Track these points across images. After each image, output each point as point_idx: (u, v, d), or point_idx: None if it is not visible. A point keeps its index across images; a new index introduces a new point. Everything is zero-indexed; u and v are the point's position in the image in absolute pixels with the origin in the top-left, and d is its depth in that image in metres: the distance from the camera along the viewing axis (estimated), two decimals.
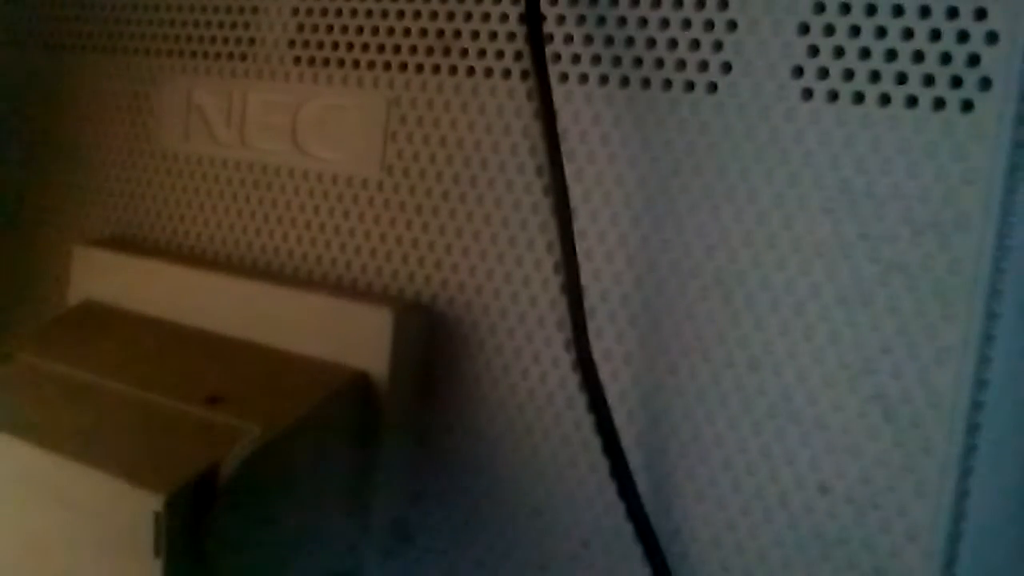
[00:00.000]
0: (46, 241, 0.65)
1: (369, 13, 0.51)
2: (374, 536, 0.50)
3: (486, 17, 0.48)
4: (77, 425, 0.49)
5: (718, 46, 0.43)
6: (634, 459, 0.44)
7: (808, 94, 0.41)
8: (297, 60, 0.54)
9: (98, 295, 0.59)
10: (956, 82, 0.38)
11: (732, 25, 0.42)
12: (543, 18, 0.46)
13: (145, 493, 0.43)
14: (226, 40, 0.57)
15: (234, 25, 0.56)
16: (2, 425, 0.49)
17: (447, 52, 0.49)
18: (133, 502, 0.43)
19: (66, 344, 0.56)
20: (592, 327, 0.45)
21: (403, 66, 0.51)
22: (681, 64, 0.43)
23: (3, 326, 0.66)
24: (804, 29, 0.41)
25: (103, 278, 0.59)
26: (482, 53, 0.48)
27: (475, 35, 0.48)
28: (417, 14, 0.50)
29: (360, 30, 0.52)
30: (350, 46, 0.52)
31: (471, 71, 0.49)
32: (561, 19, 0.46)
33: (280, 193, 0.55)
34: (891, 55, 0.39)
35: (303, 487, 0.47)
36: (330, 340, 0.50)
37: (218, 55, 0.57)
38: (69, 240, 0.62)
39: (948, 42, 0.38)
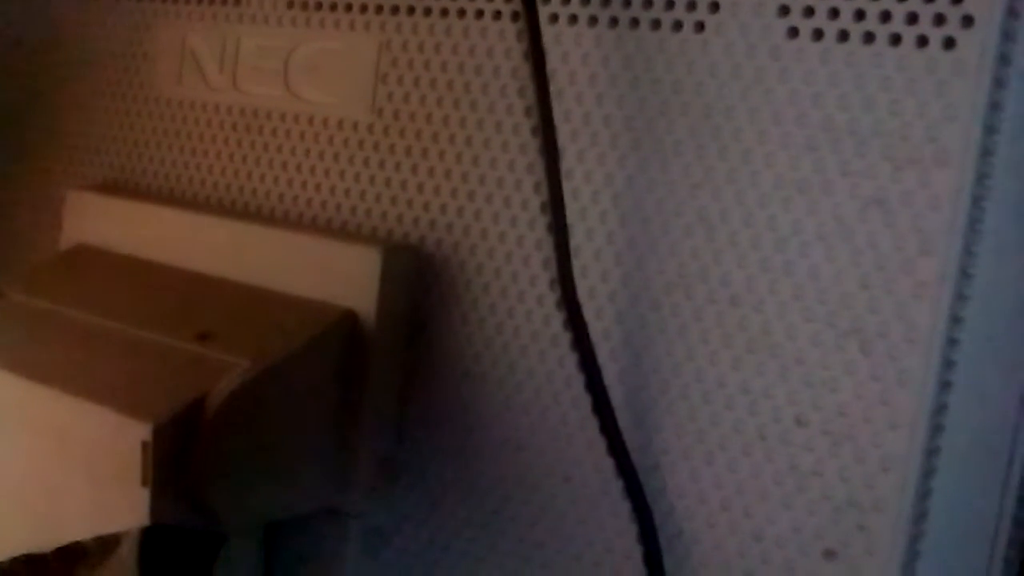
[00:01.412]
0: (38, 186, 0.65)
1: None
2: (360, 473, 0.50)
3: None
4: (67, 359, 0.50)
5: None
6: (616, 395, 0.45)
7: (794, 32, 0.41)
8: (290, 4, 0.55)
9: (90, 239, 0.60)
10: (939, 20, 0.38)
11: None
12: None
13: (133, 422, 0.44)
14: None
15: None
16: None
17: None
18: (121, 431, 0.44)
19: (57, 284, 0.57)
20: (577, 266, 0.45)
21: (394, 9, 0.51)
22: (670, 4, 0.44)
23: None
24: None
25: (95, 222, 0.59)
26: None
27: None
28: None
29: None
30: None
31: (462, 13, 0.49)
32: None
33: (272, 137, 0.55)
34: None
35: (290, 422, 0.48)
36: (319, 280, 0.50)
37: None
38: (61, 185, 0.63)
39: None
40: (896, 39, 0.39)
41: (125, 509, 0.44)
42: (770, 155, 0.42)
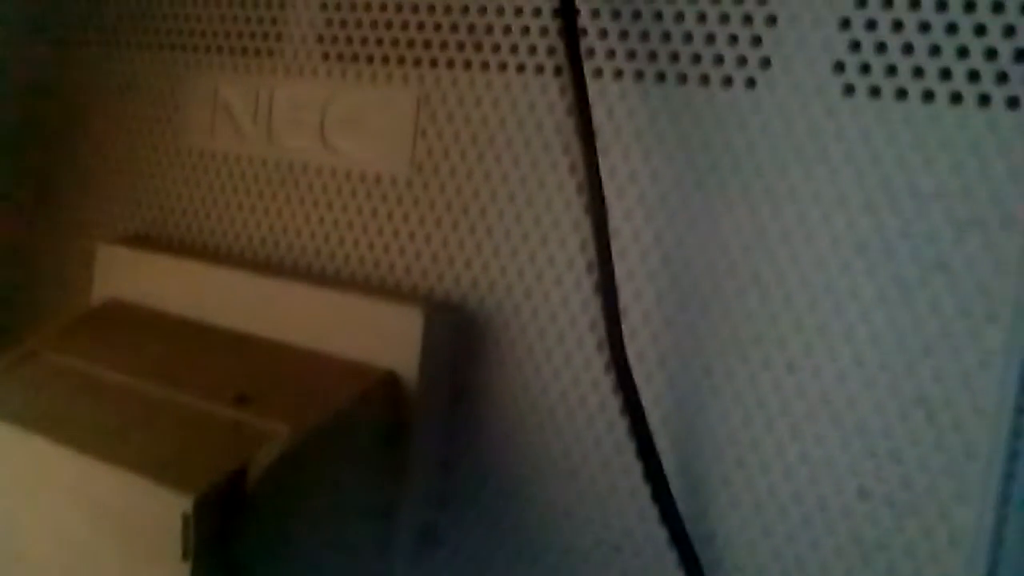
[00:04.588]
0: (69, 239, 0.64)
1: (399, 7, 0.51)
2: (402, 539, 0.49)
3: (518, 11, 0.47)
4: (103, 424, 0.49)
5: (757, 41, 0.42)
6: (668, 462, 0.43)
7: (849, 90, 0.40)
8: (325, 56, 0.54)
9: (122, 294, 0.59)
10: (1001, 78, 0.37)
11: (771, 20, 0.42)
12: (577, 12, 0.45)
13: (174, 494, 0.42)
14: (253, 35, 0.56)
15: (261, 20, 0.56)
16: (28, 424, 0.48)
17: (478, 47, 0.49)
18: (161, 503, 0.43)
19: (90, 342, 0.56)
20: (626, 328, 0.44)
21: (433, 62, 0.50)
22: (719, 59, 0.43)
23: (26, 324, 0.66)
24: (845, 24, 0.40)
25: (127, 277, 0.59)
26: (514, 48, 0.48)
27: (507, 30, 0.48)
28: (447, 8, 0.49)
29: (389, 25, 0.51)
30: (379, 41, 0.52)
31: (503, 67, 0.48)
32: (595, 13, 0.45)
33: (308, 191, 0.54)
34: (935, 50, 0.38)
35: (331, 488, 0.47)
36: (359, 340, 0.49)
37: (245, 50, 0.57)
38: (93, 238, 0.62)
39: (993, 37, 0.37)
40: (956, 97, 0.38)
41: None
42: (827, 216, 0.40)
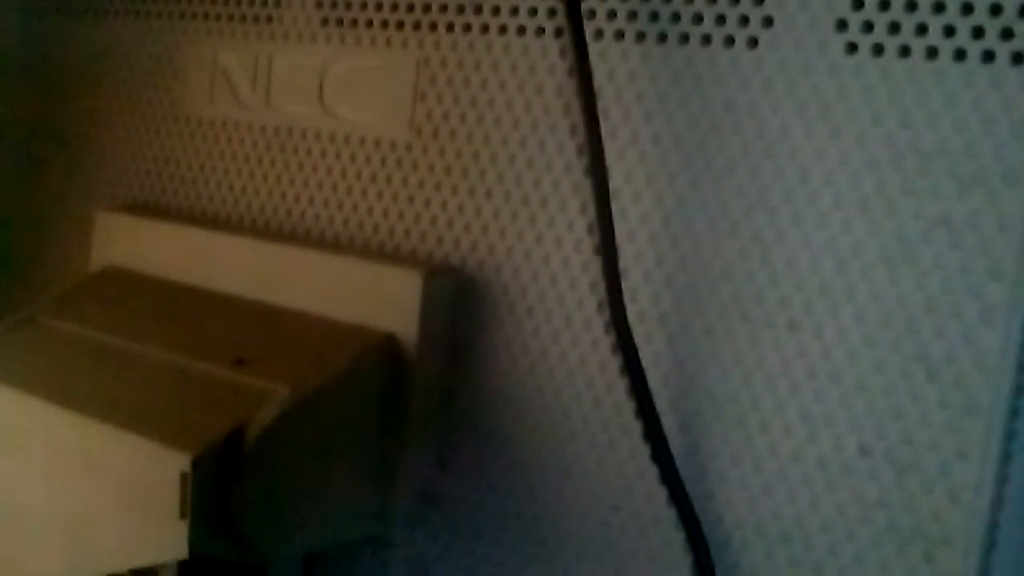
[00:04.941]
0: (68, 207, 0.64)
1: None
2: (401, 502, 0.49)
3: None
4: (102, 387, 0.49)
5: (759, 0, 0.42)
6: (668, 422, 0.43)
7: (852, 48, 0.40)
8: (324, 21, 0.54)
9: (120, 261, 0.58)
10: (1006, 34, 0.37)
11: None
12: None
13: (172, 453, 0.42)
14: (252, 1, 0.56)
15: None
16: (27, 388, 0.48)
17: (478, 10, 0.48)
18: (160, 463, 0.43)
19: (89, 308, 0.55)
20: (626, 289, 0.44)
21: (433, 25, 0.50)
22: (721, 19, 0.42)
23: (26, 291, 0.65)
24: None
25: (126, 243, 0.58)
26: (514, 11, 0.47)
27: None
28: None
29: None
30: (378, 6, 0.52)
31: (503, 29, 0.48)
32: None
33: (307, 156, 0.54)
34: (939, 7, 0.38)
35: (330, 450, 0.47)
36: (358, 303, 0.49)
37: (244, 17, 0.56)
38: (92, 205, 0.62)
39: None
40: (961, 54, 0.38)
41: (163, 541, 0.43)
42: (829, 174, 0.40)
